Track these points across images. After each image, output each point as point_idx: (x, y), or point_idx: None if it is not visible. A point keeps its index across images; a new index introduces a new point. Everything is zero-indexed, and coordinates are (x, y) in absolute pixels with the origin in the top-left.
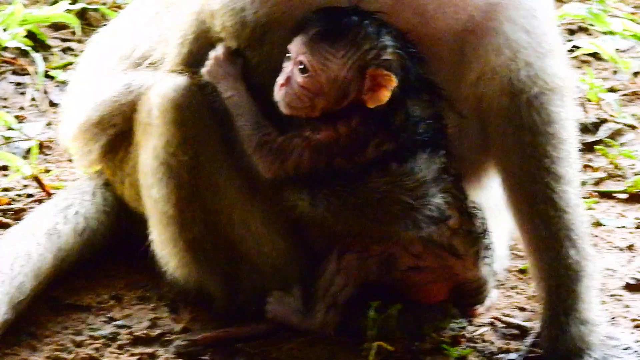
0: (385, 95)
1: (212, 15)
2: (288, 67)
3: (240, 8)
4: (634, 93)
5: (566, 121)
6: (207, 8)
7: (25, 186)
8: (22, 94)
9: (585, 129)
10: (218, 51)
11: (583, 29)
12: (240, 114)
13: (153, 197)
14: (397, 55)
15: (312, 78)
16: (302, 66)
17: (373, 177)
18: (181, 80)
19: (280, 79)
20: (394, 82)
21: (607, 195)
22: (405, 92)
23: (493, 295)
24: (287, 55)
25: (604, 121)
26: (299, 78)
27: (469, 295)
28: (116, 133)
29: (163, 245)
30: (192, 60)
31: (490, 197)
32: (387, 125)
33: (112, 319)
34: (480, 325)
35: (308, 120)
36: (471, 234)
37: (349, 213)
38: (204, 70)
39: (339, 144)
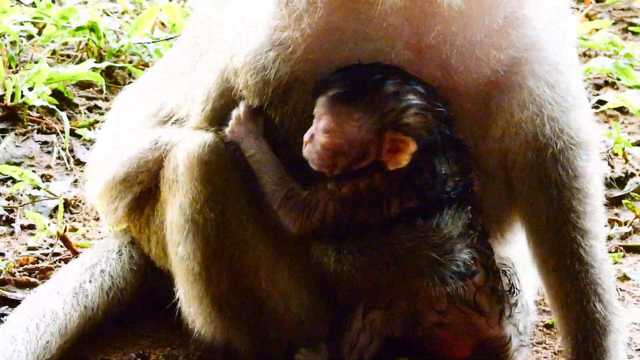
0: (405, 158)
1: (236, 73)
2: (313, 125)
3: (263, 67)
4: None
5: (592, 175)
6: (231, 66)
7: (52, 245)
8: (49, 152)
9: (612, 183)
10: (240, 110)
11: (610, 84)
12: (263, 170)
13: (179, 254)
14: (420, 117)
15: (331, 138)
16: (322, 126)
17: (399, 233)
18: (207, 136)
19: (306, 137)
20: (412, 147)
21: (634, 250)
22: (429, 151)
23: (523, 353)
24: (314, 113)
25: (631, 175)
26: (320, 137)
27: (493, 353)
28: (142, 190)
29: (189, 303)
30: (216, 117)
31: (516, 252)
32: (411, 182)
33: None
34: None
35: (332, 176)
36: (496, 291)
37: (374, 269)
38: (227, 130)
39: (362, 198)
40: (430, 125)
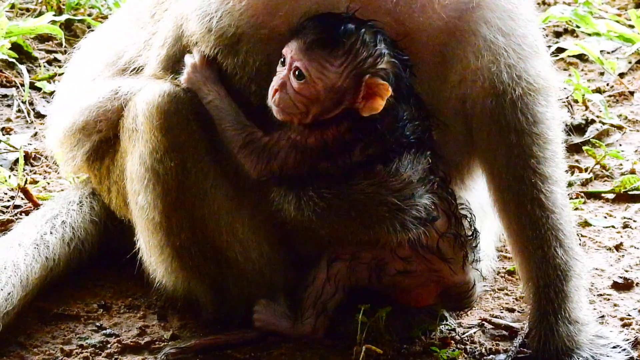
0: (380, 104)
1: (186, 19)
2: (282, 72)
3: (204, 13)
4: (620, 94)
5: (552, 121)
6: (183, 13)
7: (12, 197)
8: (9, 106)
9: (572, 130)
10: (195, 57)
11: (569, 31)
12: (222, 116)
13: (140, 204)
14: (392, 64)
15: (308, 85)
16: (298, 72)
17: (359, 179)
18: (166, 86)
19: (275, 84)
20: (389, 91)
21: (594, 196)
22: (397, 99)
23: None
24: (282, 60)
25: (591, 122)
26: (294, 84)
27: (457, 298)
28: (101, 139)
29: (150, 253)
30: (171, 64)
31: (477, 198)
32: (374, 129)
33: (100, 328)
34: (469, 327)
35: (297, 126)
36: (459, 237)
37: (335, 216)
38: (182, 77)
39: (325, 148)
40: (399, 72)
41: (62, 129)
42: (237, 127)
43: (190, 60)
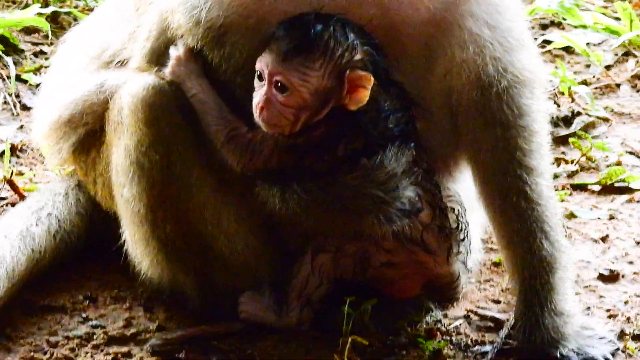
0: (365, 95)
1: (172, 12)
2: (263, 88)
3: (192, 5)
4: (607, 86)
5: (537, 113)
6: (169, 5)
7: None
8: None
9: (558, 122)
10: (179, 50)
11: (555, 24)
12: (206, 110)
13: (125, 196)
14: (366, 52)
15: (293, 95)
16: (280, 85)
17: (343, 173)
18: (151, 78)
19: (260, 102)
20: (371, 80)
21: (580, 188)
22: (378, 85)
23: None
24: (258, 74)
25: (577, 114)
26: (279, 98)
27: (442, 290)
28: (87, 132)
29: (136, 245)
30: (156, 57)
31: (463, 190)
32: (357, 123)
33: (86, 319)
34: (455, 318)
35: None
36: (443, 229)
37: (319, 209)
38: (166, 70)
39: (311, 145)
40: (374, 57)
41: (48, 122)
42: (221, 122)
43: (174, 53)
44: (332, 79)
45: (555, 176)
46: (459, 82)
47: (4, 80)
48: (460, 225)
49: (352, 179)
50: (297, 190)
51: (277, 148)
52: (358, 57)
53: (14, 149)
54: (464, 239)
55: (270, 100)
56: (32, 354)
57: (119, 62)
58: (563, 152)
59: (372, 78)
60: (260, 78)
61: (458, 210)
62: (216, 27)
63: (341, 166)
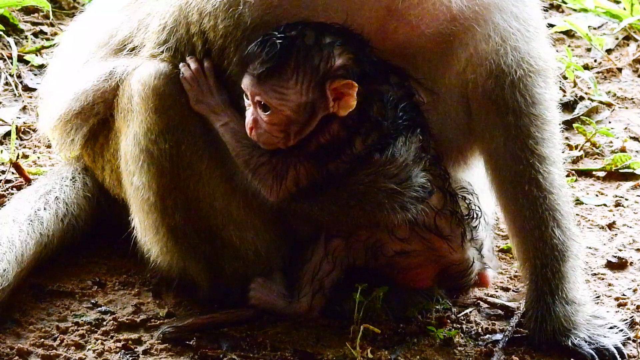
0: (352, 100)
1: (201, 13)
2: (250, 108)
3: (234, 8)
4: (608, 70)
5: (550, 102)
6: (197, 6)
7: (3, 172)
8: None
9: (561, 107)
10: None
11: (556, 7)
12: (238, 139)
13: (134, 184)
14: (345, 54)
15: (275, 113)
16: (262, 105)
17: (357, 171)
18: (162, 66)
19: (248, 121)
20: (355, 86)
21: (585, 174)
22: (369, 84)
23: (490, 275)
24: (245, 94)
25: (580, 99)
26: (263, 117)
27: (456, 277)
28: (99, 121)
29: (145, 232)
30: (170, 49)
31: (474, 178)
32: (366, 117)
33: (95, 305)
34: (464, 307)
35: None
36: (456, 214)
37: (334, 205)
38: (192, 102)
39: (328, 149)
40: (357, 57)
41: (58, 115)
42: (249, 151)
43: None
44: (313, 92)
45: None
46: (477, 73)
47: (5, 60)
48: (473, 212)
49: (366, 175)
50: (312, 191)
51: (300, 161)
52: (338, 63)
53: (17, 131)
54: (477, 226)
55: (257, 120)
56: (42, 340)
57: (129, 49)
58: (567, 138)
59: (355, 84)
60: (247, 97)
61: (469, 197)
62: (250, 27)
63: (358, 163)
